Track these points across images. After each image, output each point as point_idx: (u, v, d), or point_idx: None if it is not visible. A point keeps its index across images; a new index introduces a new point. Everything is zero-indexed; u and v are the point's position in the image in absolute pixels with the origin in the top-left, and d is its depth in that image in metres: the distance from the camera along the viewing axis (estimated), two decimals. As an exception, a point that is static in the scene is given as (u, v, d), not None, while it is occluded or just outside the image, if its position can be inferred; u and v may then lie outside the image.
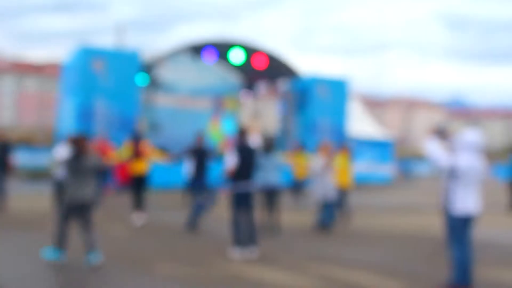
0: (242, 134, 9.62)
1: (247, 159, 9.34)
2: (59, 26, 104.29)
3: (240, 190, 9.30)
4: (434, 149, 7.18)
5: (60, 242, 8.02)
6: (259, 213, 12.01)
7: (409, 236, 11.71)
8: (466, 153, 7.07)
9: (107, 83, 20.26)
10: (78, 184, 8.04)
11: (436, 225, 11.76)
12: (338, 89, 25.82)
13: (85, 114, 19.81)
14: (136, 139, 12.62)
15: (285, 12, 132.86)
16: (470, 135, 7.13)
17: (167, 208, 14.83)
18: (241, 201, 9.31)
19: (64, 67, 22.80)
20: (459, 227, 7.10)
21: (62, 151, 12.73)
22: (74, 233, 8.88)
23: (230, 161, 9.36)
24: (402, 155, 34.48)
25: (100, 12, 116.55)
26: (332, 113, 25.69)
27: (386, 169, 27.89)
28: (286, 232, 11.50)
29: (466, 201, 7.05)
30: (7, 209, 13.25)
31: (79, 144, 8.15)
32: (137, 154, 12.46)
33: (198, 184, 11.83)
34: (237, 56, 24.43)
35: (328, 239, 11.00)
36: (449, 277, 7.27)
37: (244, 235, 9.22)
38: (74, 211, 8.06)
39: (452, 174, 7.09)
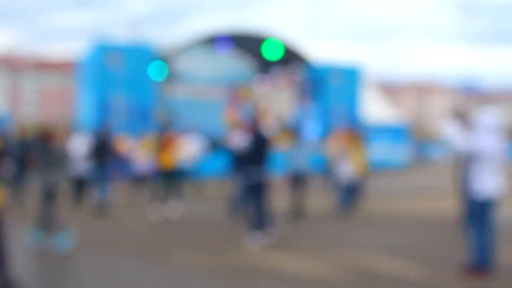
0: (256, 121, 9.49)
1: (260, 147, 9.26)
2: (77, 22, 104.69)
3: (252, 177, 9.22)
4: (452, 131, 7.00)
5: (44, 226, 8.49)
6: (285, 199, 12.00)
7: (427, 220, 11.55)
8: (485, 134, 6.86)
9: (123, 77, 20.20)
10: (47, 172, 8.56)
11: (453, 209, 11.55)
12: (351, 76, 25.62)
13: (102, 108, 19.77)
14: (162, 131, 12.38)
15: (296, 1, 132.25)
16: (488, 117, 6.92)
17: (198, 199, 14.71)
18: (253, 188, 9.23)
19: (80, 63, 22.76)
20: (479, 211, 6.91)
21: (80, 146, 12.65)
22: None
23: (239, 142, 9.30)
24: (418, 139, 34.11)
25: (117, 7, 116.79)
26: (346, 100, 25.48)
27: (402, 154, 27.61)
28: (308, 217, 11.41)
29: (487, 184, 6.86)
30: (27, 205, 13.02)
31: (47, 135, 8.66)
32: (163, 146, 12.13)
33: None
34: (269, 49, 24.12)
35: (347, 224, 10.89)
36: (468, 259, 7.13)
37: (259, 221, 9.13)
38: (45, 195, 8.55)
39: (471, 157, 6.89)
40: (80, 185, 13.15)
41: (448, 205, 12.74)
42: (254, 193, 9.23)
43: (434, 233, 10.06)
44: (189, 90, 26.16)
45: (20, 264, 7.20)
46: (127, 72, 20.18)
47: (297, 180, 11.56)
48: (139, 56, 20.52)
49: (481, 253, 6.93)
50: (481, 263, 6.93)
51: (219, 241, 9.20)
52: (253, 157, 9.20)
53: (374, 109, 28.27)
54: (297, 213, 11.43)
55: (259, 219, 9.12)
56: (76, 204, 12.89)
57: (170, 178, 12.17)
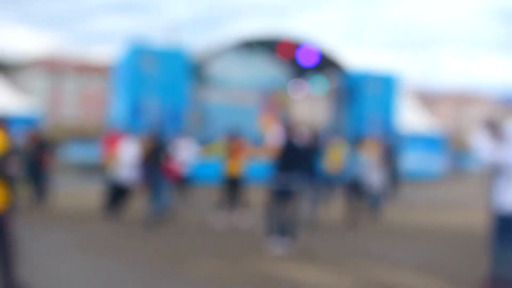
0: (290, 128, 9.38)
1: (291, 153, 9.08)
2: (120, 27, 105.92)
3: (280, 183, 9.03)
4: (481, 142, 6.62)
5: None
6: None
7: (459, 234, 11.15)
8: None
9: (157, 80, 20.20)
10: None
11: (482, 223, 11.13)
12: (387, 84, 25.21)
13: (135, 111, 19.79)
14: (232, 137, 11.78)
15: (338, 8, 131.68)
16: None
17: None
18: (280, 194, 9.03)
19: (115, 65, 22.87)
20: (505, 225, 6.49)
21: (129, 151, 12.02)
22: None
23: (277, 139, 9.20)
24: (454, 149, 33.41)
25: (159, 12, 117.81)
26: (382, 108, 25.08)
27: (438, 164, 27.02)
28: (334, 227, 11.14)
29: None
30: (46, 207, 12.85)
31: None
32: (232, 153, 11.59)
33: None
34: (287, 51, 24.05)
35: (370, 235, 10.54)
36: (490, 274, 6.70)
37: (281, 228, 8.92)
38: None
39: (498, 169, 6.51)
40: (119, 193, 12.13)
41: (479, 219, 12.30)
42: (281, 201, 9.04)
43: (464, 248, 9.67)
44: (223, 95, 26.10)
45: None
46: (160, 75, 20.18)
47: (355, 189, 11.73)
48: (173, 60, 20.51)
49: (504, 269, 6.55)
50: (504, 279, 6.55)
51: (242, 249, 8.99)
52: (283, 163, 9.03)
53: (411, 118, 27.74)
54: (352, 223, 11.48)
55: (283, 227, 8.91)
56: (112, 214, 11.84)
57: (235, 186, 11.60)
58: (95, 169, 22.11)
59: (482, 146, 6.62)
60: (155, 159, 11.47)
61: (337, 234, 10.56)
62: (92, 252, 8.38)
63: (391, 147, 18.55)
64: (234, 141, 11.67)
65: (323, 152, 13.69)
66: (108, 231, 10.23)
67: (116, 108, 21.40)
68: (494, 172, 6.59)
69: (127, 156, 11.83)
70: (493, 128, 6.86)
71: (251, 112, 25.97)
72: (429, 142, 26.98)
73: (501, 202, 6.55)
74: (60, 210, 12.52)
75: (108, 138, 13.04)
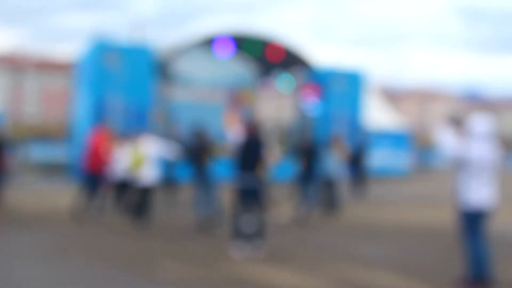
0: (253, 125, 9.06)
1: (253, 152, 8.78)
2: (84, 24, 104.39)
3: (244, 183, 8.77)
4: (443, 137, 6.65)
5: None
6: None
7: (427, 230, 11.14)
8: (477, 142, 6.52)
9: (121, 77, 19.84)
10: None
11: (451, 219, 11.17)
12: (354, 82, 25.24)
13: (99, 109, 19.43)
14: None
15: (305, 5, 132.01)
16: (480, 123, 6.58)
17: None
18: (245, 195, 8.76)
19: (78, 63, 22.37)
20: (472, 222, 6.54)
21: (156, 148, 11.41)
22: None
23: (236, 136, 8.95)
24: (420, 146, 33.72)
25: (124, 9, 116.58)
26: (348, 105, 25.11)
27: (404, 161, 27.20)
28: (307, 226, 11.05)
29: (478, 194, 6.48)
30: (3, 208, 12.33)
31: None
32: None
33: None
34: (253, 48, 23.91)
35: (342, 234, 10.46)
36: (465, 272, 6.76)
37: (246, 230, 8.68)
38: None
39: (461, 164, 6.54)
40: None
41: (447, 216, 12.34)
42: (246, 200, 8.83)
43: (432, 244, 9.65)
44: (189, 92, 25.87)
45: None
46: (125, 72, 19.84)
47: (328, 186, 12.39)
48: (138, 57, 20.16)
49: (477, 266, 6.53)
50: (478, 277, 6.55)
51: (208, 251, 8.81)
52: (245, 162, 8.75)
53: (377, 115, 27.88)
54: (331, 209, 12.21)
55: (250, 229, 8.73)
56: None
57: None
58: (57, 169, 21.72)
59: (445, 142, 6.61)
60: (196, 158, 10.92)
61: (308, 234, 10.45)
62: (55, 255, 8.12)
63: (358, 145, 18.58)
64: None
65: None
66: (73, 233, 9.96)
67: (79, 106, 20.94)
68: (457, 168, 6.58)
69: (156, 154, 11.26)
70: (456, 124, 6.88)
71: (217, 110, 25.84)
72: (395, 139, 27.13)
73: (465, 199, 6.56)
74: (19, 211, 12.16)
75: (96, 138, 12.07)
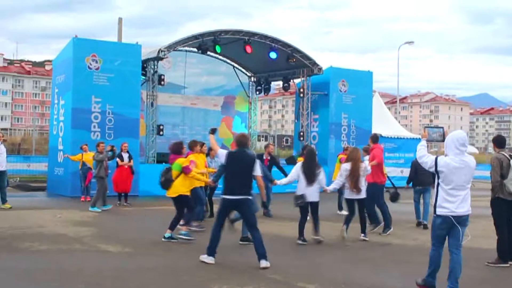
0: (239, 142, 9.15)
1: (237, 169, 8.82)
2: (64, 27, 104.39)
3: (224, 202, 8.87)
4: (421, 149, 7.39)
5: None
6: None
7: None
8: (450, 153, 7.05)
9: (105, 80, 19.29)
10: None
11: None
12: (356, 85, 25.24)
13: (79, 113, 18.90)
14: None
15: (299, 9, 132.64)
16: (453, 135, 7.14)
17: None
18: (224, 213, 8.95)
19: (57, 64, 21.66)
20: (438, 228, 7.11)
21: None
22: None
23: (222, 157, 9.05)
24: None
25: (108, 12, 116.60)
26: (354, 111, 25.01)
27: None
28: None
29: (448, 203, 6.98)
30: None
31: None
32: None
33: None
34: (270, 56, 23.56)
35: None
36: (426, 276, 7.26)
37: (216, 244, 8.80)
38: None
39: (436, 175, 7.13)
40: None
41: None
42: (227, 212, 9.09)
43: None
44: (181, 98, 25.78)
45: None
46: (109, 74, 19.32)
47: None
48: (124, 57, 19.74)
49: (431, 271, 7.17)
50: (427, 283, 7.21)
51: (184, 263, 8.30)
52: (228, 181, 8.88)
53: (376, 120, 27.49)
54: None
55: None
56: None
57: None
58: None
59: (422, 154, 7.33)
60: None
61: (324, 258, 9.98)
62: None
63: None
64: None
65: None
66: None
67: (59, 110, 20.24)
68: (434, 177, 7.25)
69: None
70: (441, 137, 7.73)
71: (212, 116, 25.71)
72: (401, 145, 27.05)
73: (437, 206, 7.09)
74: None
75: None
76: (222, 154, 9.02)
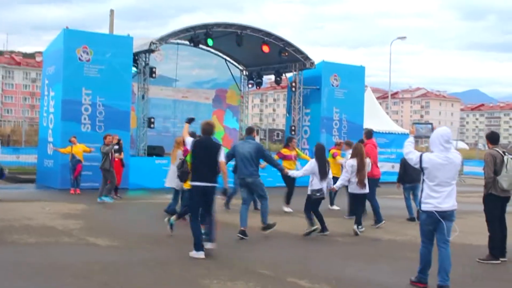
0: (204, 129, 9.26)
1: (204, 156, 8.95)
2: (56, 18, 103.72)
3: (195, 190, 8.97)
4: (408, 146, 7.44)
5: None
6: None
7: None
8: (435, 149, 7.11)
9: (96, 71, 19.17)
10: None
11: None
12: (348, 80, 25.18)
13: (71, 104, 18.78)
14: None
15: (291, 3, 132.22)
16: (438, 131, 7.21)
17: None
18: (197, 202, 8.97)
19: (48, 56, 21.54)
20: (424, 224, 7.20)
21: None
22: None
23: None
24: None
25: (101, 4, 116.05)
26: (346, 106, 24.89)
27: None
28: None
29: (432, 198, 7.02)
30: None
31: None
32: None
33: None
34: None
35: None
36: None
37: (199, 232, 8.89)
38: None
39: (421, 171, 7.19)
40: None
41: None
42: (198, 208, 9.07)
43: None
44: (173, 91, 25.61)
45: None
46: (100, 65, 19.20)
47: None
48: (116, 48, 19.59)
49: (421, 268, 7.21)
50: (419, 279, 7.24)
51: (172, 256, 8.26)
52: (196, 169, 9.00)
53: (368, 115, 27.50)
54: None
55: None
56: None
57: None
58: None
59: (408, 151, 7.38)
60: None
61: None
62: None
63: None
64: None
65: None
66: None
67: (50, 102, 20.12)
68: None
69: None
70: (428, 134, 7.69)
71: (203, 109, 25.59)
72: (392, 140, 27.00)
73: (422, 202, 7.14)
74: None
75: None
76: (188, 142, 9.35)
